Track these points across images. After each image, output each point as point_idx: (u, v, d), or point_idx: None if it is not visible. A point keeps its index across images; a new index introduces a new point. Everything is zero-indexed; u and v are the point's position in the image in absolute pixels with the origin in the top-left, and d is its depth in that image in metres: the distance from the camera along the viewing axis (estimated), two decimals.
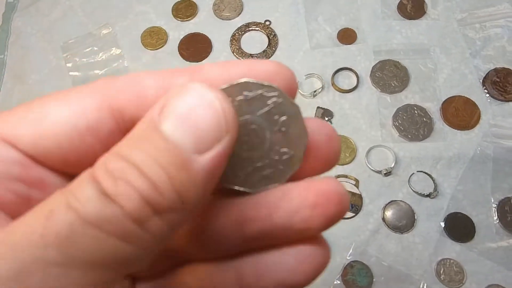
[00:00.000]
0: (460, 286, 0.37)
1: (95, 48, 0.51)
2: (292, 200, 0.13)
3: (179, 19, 0.51)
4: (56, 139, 0.12)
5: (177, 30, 0.51)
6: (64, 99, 0.13)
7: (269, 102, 0.13)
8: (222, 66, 0.13)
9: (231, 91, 0.13)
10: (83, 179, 0.11)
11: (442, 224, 0.40)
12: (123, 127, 0.13)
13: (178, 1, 0.52)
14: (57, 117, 0.12)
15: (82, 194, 0.10)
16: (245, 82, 0.13)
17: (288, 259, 0.14)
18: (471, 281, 0.37)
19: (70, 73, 0.50)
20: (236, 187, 0.14)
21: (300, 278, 0.13)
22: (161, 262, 0.15)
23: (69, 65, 0.50)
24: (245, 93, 0.13)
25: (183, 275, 0.15)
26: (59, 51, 0.51)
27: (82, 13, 0.53)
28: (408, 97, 0.46)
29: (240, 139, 0.13)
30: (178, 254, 0.15)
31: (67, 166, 0.13)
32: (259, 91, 0.13)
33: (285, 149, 0.13)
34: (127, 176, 0.10)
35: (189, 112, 0.11)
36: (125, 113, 0.13)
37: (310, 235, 0.14)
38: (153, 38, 0.50)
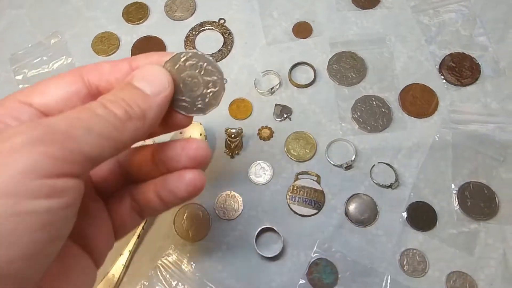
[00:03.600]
0: (423, 275, 0.37)
1: (45, 58, 0.49)
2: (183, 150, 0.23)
3: (130, 22, 0.50)
4: (55, 100, 0.21)
5: (129, 34, 0.49)
6: (57, 78, 0.22)
7: (200, 63, 0.23)
8: (144, 56, 0.23)
9: (175, 58, 0.23)
10: (92, 103, 0.19)
11: (404, 215, 0.40)
12: (91, 92, 0.22)
13: (129, 4, 0.50)
14: (55, 87, 0.21)
15: (91, 105, 0.19)
16: (184, 52, 0.23)
17: (176, 177, 0.22)
18: (434, 269, 0.37)
19: (20, 85, 0.48)
20: (184, 113, 0.23)
21: (182, 189, 0.22)
22: (117, 181, 0.24)
23: (19, 77, 0.48)
24: (183, 58, 0.23)
25: (125, 191, 0.24)
26: (7, 64, 0.49)
27: (29, 22, 0.51)
28: (366, 88, 0.45)
29: (184, 85, 0.23)
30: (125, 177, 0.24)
31: None
32: (191, 55, 0.23)
33: (211, 89, 0.23)
34: (117, 101, 0.19)
35: (148, 75, 0.21)
36: (92, 83, 0.22)
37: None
38: (105, 43, 0.49)
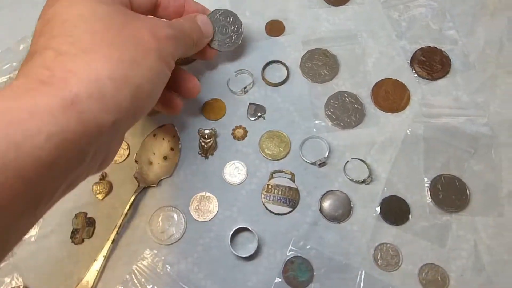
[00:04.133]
0: (396, 269, 0.37)
1: (14, 64, 0.48)
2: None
3: None
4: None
5: None
6: None
7: (228, 16, 0.42)
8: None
9: (214, 13, 0.42)
10: (192, 19, 0.38)
11: (378, 209, 0.40)
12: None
13: None
14: None
15: (193, 21, 0.38)
16: (218, 9, 0.42)
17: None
18: (407, 263, 0.38)
19: None
20: (218, 49, 0.42)
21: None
22: None
23: None
24: (218, 13, 0.42)
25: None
26: None
27: None
28: (338, 84, 0.45)
29: (218, 30, 0.42)
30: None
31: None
32: (222, 12, 0.42)
33: (235, 32, 0.42)
34: (194, 31, 0.37)
35: (205, 21, 0.39)
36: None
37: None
38: None
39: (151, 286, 0.38)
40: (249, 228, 0.39)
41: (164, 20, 0.34)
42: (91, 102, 0.22)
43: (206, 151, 0.43)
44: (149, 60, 0.28)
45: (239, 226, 0.39)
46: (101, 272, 0.39)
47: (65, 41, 0.25)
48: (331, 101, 0.44)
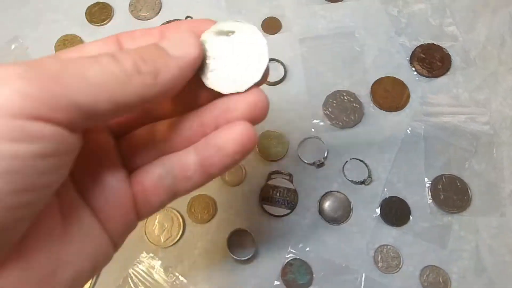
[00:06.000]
0: (397, 271, 0.37)
1: None
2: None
3: (94, 24, 0.48)
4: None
5: (93, 36, 0.48)
6: (95, 41, 0.21)
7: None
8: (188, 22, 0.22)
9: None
10: (101, 53, 0.17)
11: (378, 211, 0.39)
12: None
13: (91, 5, 0.48)
14: (91, 47, 0.20)
15: (99, 54, 0.17)
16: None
17: (224, 131, 0.20)
18: (408, 265, 0.37)
19: None
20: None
21: (230, 142, 0.19)
22: (150, 151, 0.21)
23: None
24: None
25: (156, 126, 0.22)
26: None
27: None
28: (336, 83, 0.44)
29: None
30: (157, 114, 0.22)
31: None
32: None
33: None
34: (129, 52, 0.18)
35: (175, 37, 0.19)
36: (125, 47, 0.21)
37: None
38: (68, 47, 0.47)
39: None
40: (247, 230, 0.39)
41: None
42: None
43: None
44: None
45: (236, 228, 0.39)
46: (97, 276, 0.38)
47: None
48: (330, 100, 0.43)
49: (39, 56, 0.48)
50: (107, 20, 0.48)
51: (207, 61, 0.20)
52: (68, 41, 0.47)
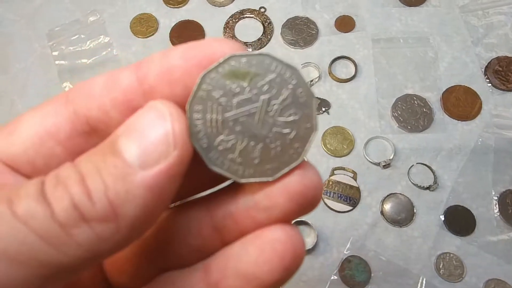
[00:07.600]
0: (459, 280, 0.36)
1: (82, 36, 0.48)
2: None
3: (170, 5, 0.49)
4: (23, 145, 0.13)
5: (168, 17, 0.49)
6: (35, 109, 0.14)
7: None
8: (162, 55, 0.13)
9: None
10: (34, 179, 0.11)
11: (442, 218, 0.39)
12: (80, 129, 0.13)
13: None
14: (24, 126, 0.13)
15: (24, 190, 0.11)
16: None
17: (250, 248, 0.13)
18: (471, 275, 0.36)
19: (56, 62, 0.47)
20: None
21: (263, 269, 0.12)
22: (144, 270, 0.15)
23: (55, 53, 0.48)
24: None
25: (159, 284, 0.14)
26: (44, 39, 0.49)
27: None
28: (407, 86, 0.44)
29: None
30: (158, 263, 0.14)
31: (37, 171, 0.13)
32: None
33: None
34: (67, 182, 0.11)
35: (142, 129, 0.11)
36: (79, 113, 0.13)
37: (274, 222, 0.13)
38: (143, 25, 0.48)
39: None
40: (308, 222, 0.39)
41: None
42: None
43: None
44: None
45: (298, 219, 0.39)
46: None
47: None
48: (399, 103, 0.43)
49: (115, 32, 0.49)
50: (183, 3, 0.49)
51: (211, 130, 0.13)
52: (144, 20, 0.48)
